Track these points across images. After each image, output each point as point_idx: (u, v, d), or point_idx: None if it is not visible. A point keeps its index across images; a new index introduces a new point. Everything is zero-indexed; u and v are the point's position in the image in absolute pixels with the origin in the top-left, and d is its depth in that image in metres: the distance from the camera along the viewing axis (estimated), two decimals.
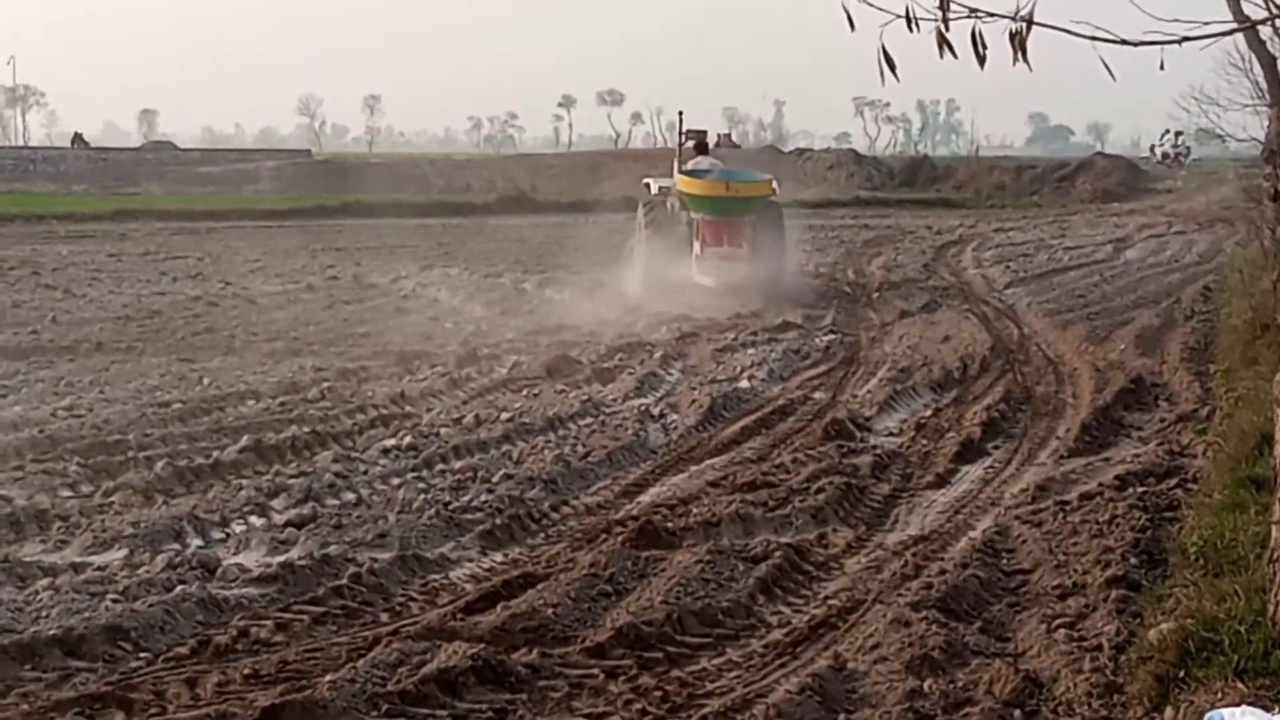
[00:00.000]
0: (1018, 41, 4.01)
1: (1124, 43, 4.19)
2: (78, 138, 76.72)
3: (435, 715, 5.95)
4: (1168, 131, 66.42)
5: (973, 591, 7.56)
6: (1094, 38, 4.18)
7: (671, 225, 23.07)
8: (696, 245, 22.74)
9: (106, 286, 23.08)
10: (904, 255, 30.23)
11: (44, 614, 7.11)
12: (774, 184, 23.85)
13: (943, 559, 8.24)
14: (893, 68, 3.97)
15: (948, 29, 3.94)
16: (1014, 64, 4.01)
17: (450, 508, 9.25)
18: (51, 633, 6.77)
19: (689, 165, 23.83)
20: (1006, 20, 4.04)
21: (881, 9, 3.92)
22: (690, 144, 24.57)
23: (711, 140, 25.49)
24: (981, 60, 3.99)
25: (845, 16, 3.97)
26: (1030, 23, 4.02)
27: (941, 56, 3.94)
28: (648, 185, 25.39)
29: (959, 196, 58.48)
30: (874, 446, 11.36)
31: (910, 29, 3.89)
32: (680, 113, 25.92)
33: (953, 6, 3.96)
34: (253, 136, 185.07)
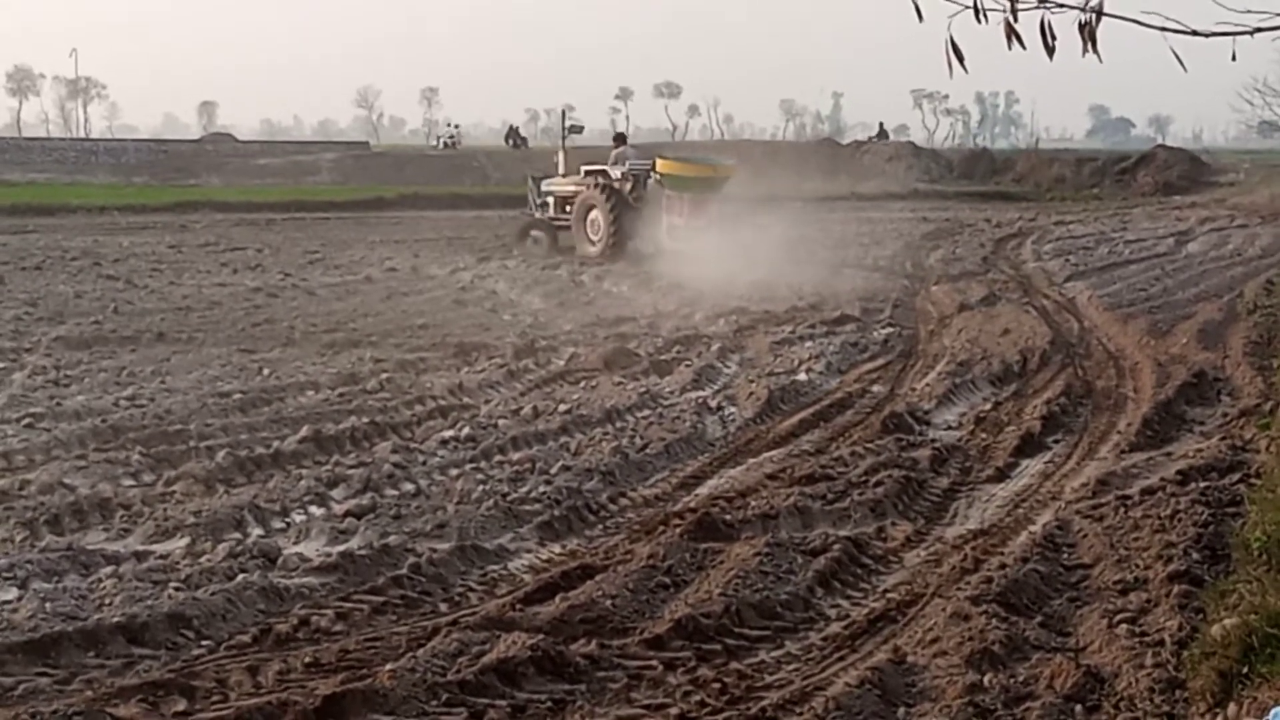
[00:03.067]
0: (1087, 32, 3.97)
1: (1194, 33, 4.14)
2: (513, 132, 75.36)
3: (495, 705, 5.96)
4: None
5: (1033, 586, 7.51)
6: (1164, 28, 4.13)
7: (642, 201, 27.28)
8: (669, 218, 26.87)
9: (167, 277, 23.24)
10: (963, 248, 30.07)
11: (108, 602, 7.18)
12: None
13: (1003, 553, 8.19)
14: (961, 59, 3.94)
15: (1016, 20, 3.91)
16: (1083, 55, 3.97)
17: (508, 499, 9.28)
18: (115, 620, 6.82)
19: (612, 156, 28.35)
20: (1075, 11, 4.00)
21: (950, 0, 3.89)
22: (613, 140, 29.69)
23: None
24: (1050, 51, 3.95)
25: (914, 8, 3.94)
26: (1100, 13, 3.97)
27: (1010, 48, 3.90)
28: (535, 179, 29.84)
29: (1018, 189, 58.16)
30: (933, 440, 11.31)
31: (978, 20, 3.86)
32: (564, 110, 30.85)
33: None
34: (311, 129, 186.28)
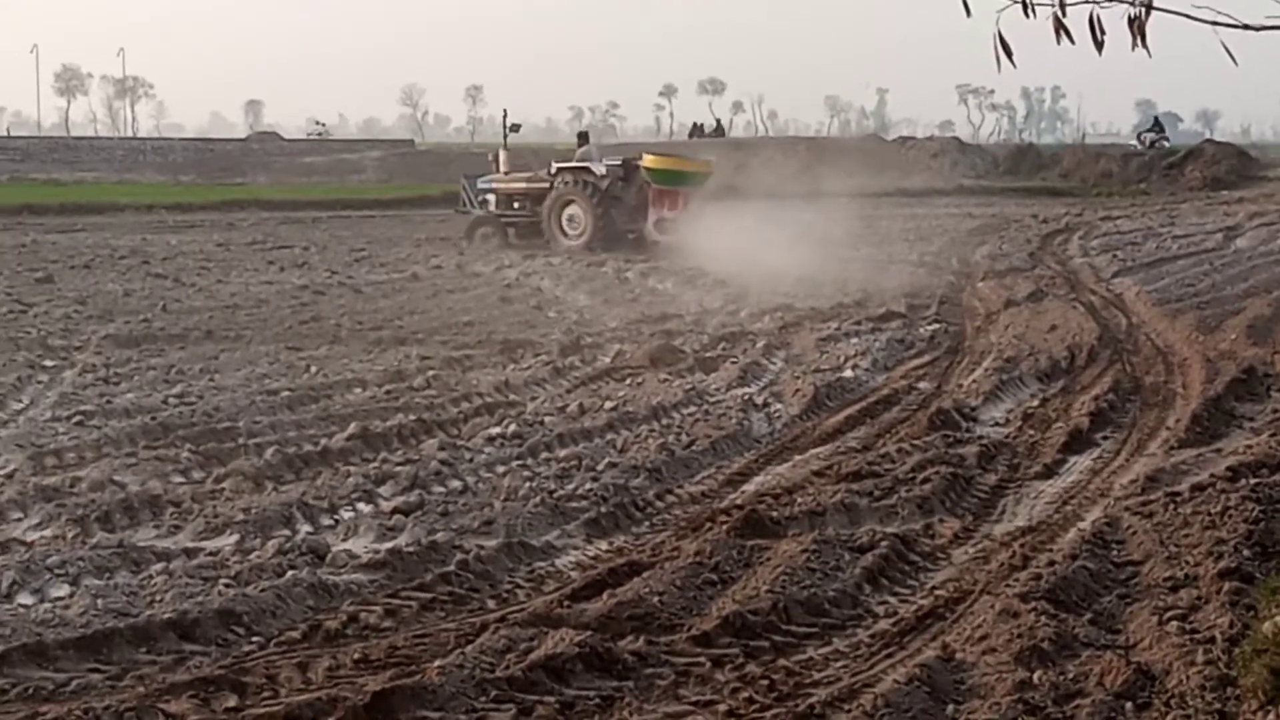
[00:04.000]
0: (1136, 27, 3.95)
1: (1246, 27, 4.11)
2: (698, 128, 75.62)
3: (543, 702, 5.97)
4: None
5: (1082, 583, 7.48)
6: (1215, 22, 4.10)
7: (625, 195, 29.11)
8: (657, 211, 28.91)
9: (215, 275, 23.39)
10: (1009, 244, 29.94)
11: (158, 598, 7.22)
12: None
13: (1051, 550, 8.16)
14: (1009, 54, 3.92)
15: (1065, 14, 3.89)
16: (1133, 49, 3.95)
17: (555, 496, 9.29)
18: (166, 616, 6.87)
19: (578, 154, 29.93)
20: (1124, 5, 3.98)
21: None
22: (577, 139, 31.51)
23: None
24: (1099, 46, 3.93)
25: (962, 4, 3.93)
26: (1150, 7, 3.95)
27: (1059, 43, 3.89)
28: (469, 178, 31.66)
29: (1064, 184, 57.80)
30: (980, 436, 11.27)
31: (1027, 15, 3.85)
32: (504, 111, 31.88)
33: None
34: (356, 127, 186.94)
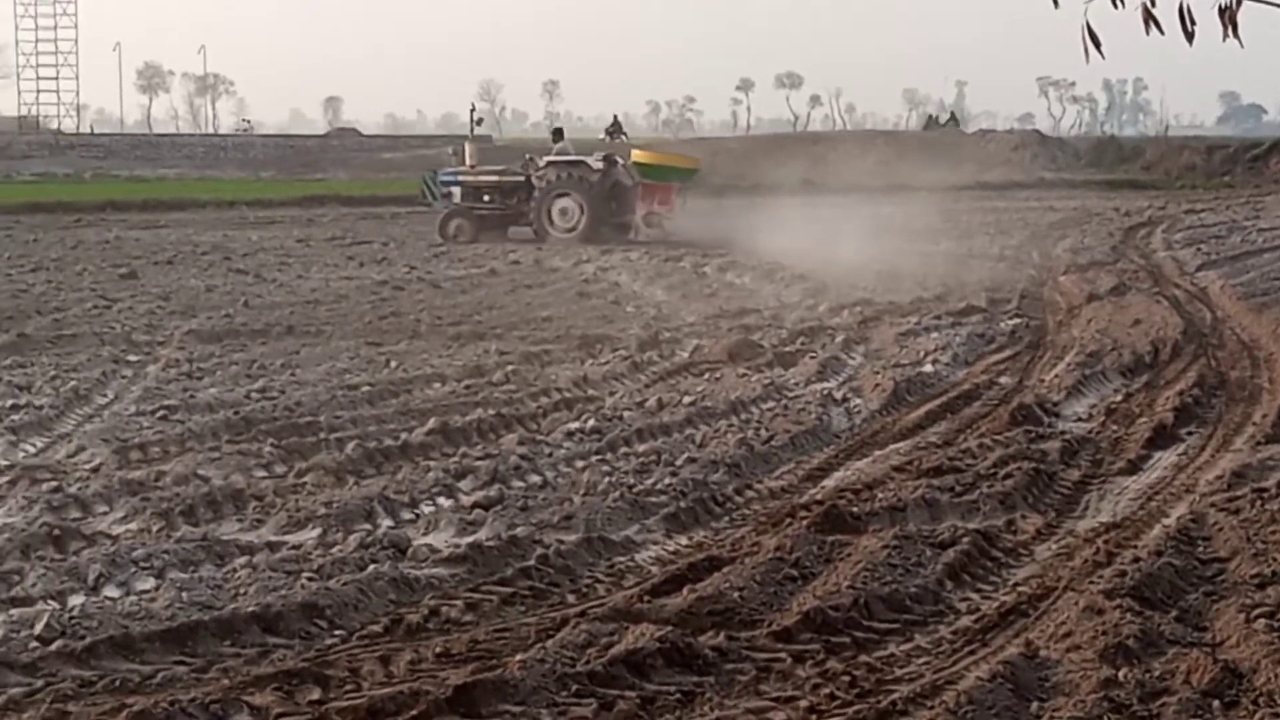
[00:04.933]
0: (1228, 17, 3.88)
1: None
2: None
3: (624, 696, 5.96)
4: None
5: (1168, 580, 7.38)
6: None
7: (614, 190, 30.69)
8: (648, 205, 30.58)
9: (295, 271, 23.58)
10: (1091, 238, 29.68)
11: (242, 591, 7.27)
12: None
13: (1136, 546, 8.06)
14: (1098, 46, 3.87)
15: (1154, 4, 3.83)
16: (1224, 40, 3.88)
17: (634, 490, 9.28)
18: (250, 610, 6.91)
19: (555, 150, 31.47)
20: None
21: None
22: (552, 135, 33.32)
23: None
24: (1190, 37, 3.87)
25: None
26: None
27: (1148, 33, 3.83)
28: (433, 173, 32.73)
29: (1147, 177, 57.30)
30: (1063, 432, 11.16)
31: (1115, 5, 3.80)
32: (472, 106, 34.96)
33: None
34: (434, 122, 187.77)
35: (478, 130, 34.65)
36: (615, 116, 35.98)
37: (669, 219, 30.97)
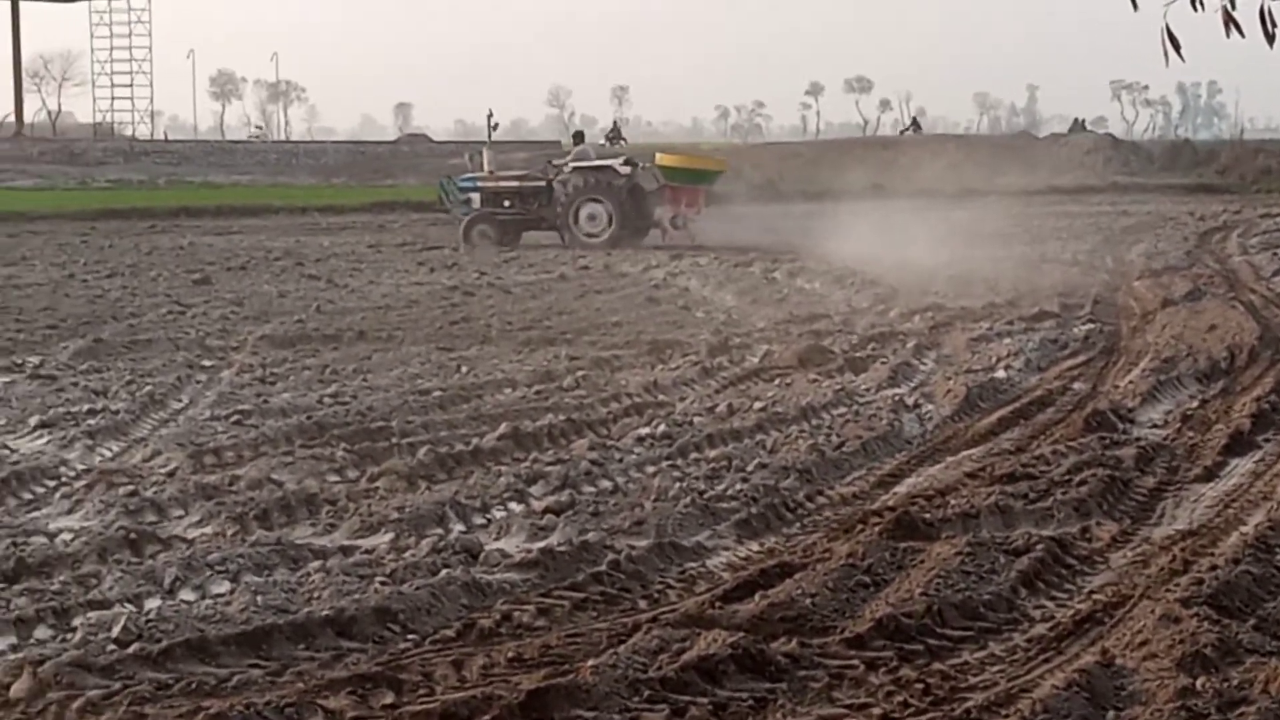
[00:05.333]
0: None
1: None
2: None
3: (696, 702, 5.95)
4: None
5: (1245, 588, 7.29)
6: None
7: (634, 194, 30.56)
8: (674, 209, 30.76)
9: (367, 276, 23.73)
10: (1165, 242, 29.39)
11: (316, 595, 7.32)
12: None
13: (1213, 554, 7.97)
14: (1177, 48, 3.83)
15: (1234, 7, 3.79)
16: (1270, 45, 3.82)
17: (705, 496, 9.27)
18: (324, 614, 6.95)
19: (574, 154, 31.46)
20: None
21: None
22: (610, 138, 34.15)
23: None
24: (1270, 39, 3.82)
25: None
26: None
27: (1228, 36, 3.79)
28: (449, 178, 32.85)
29: (1222, 181, 56.62)
30: (1138, 438, 11.05)
31: (1195, 8, 3.75)
32: (489, 112, 35.00)
33: None
34: (504, 129, 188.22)
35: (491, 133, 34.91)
36: (615, 121, 36.29)
37: (695, 221, 31.06)
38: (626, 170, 30.93)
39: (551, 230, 31.02)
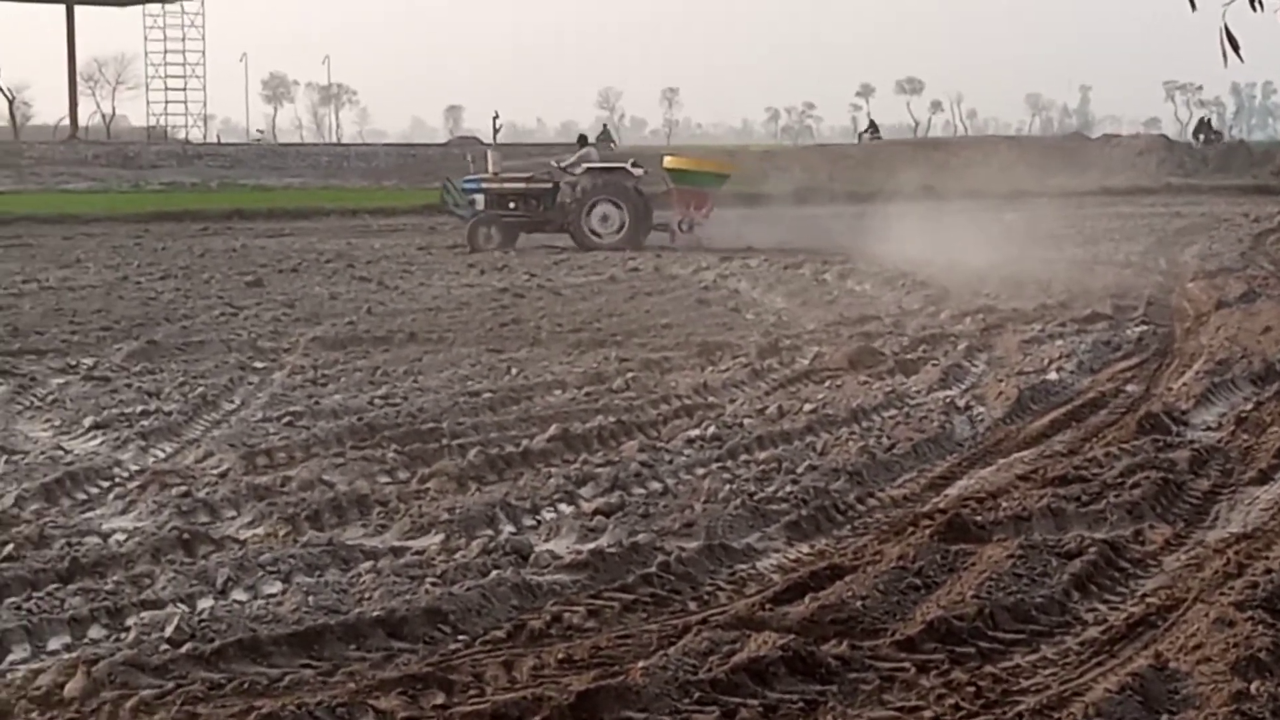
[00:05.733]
0: None
1: None
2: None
3: (746, 705, 5.94)
4: None
5: None
6: None
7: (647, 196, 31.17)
8: (683, 211, 31.17)
9: (417, 279, 23.81)
10: (1219, 244, 29.17)
11: (367, 596, 7.34)
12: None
13: (1268, 557, 7.88)
14: (1236, 49, 3.79)
15: None
16: None
17: (755, 498, 9.24)
18: (375, 614, 6.98)
19: (579, 154, 31.82)
20: None
21: None
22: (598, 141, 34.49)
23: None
24: None
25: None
26: None
27: None
28: (451, 181, 32.77)
29: (1277, 182, 56.15)
30: (1191, 441, 10.95)
31: (1254, 8, 3.72)
32: (495, 114, 35.08)
33: None
34: (554, 130, 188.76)
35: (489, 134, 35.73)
36: (605, 125, 36.22)
37: (702, 224, 31.30)
38: (639, 172, 31.20)
39: (558, 232, 31.11)
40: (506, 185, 31.52)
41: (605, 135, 36.13)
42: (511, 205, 31.17)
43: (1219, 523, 8.98)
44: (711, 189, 32.22)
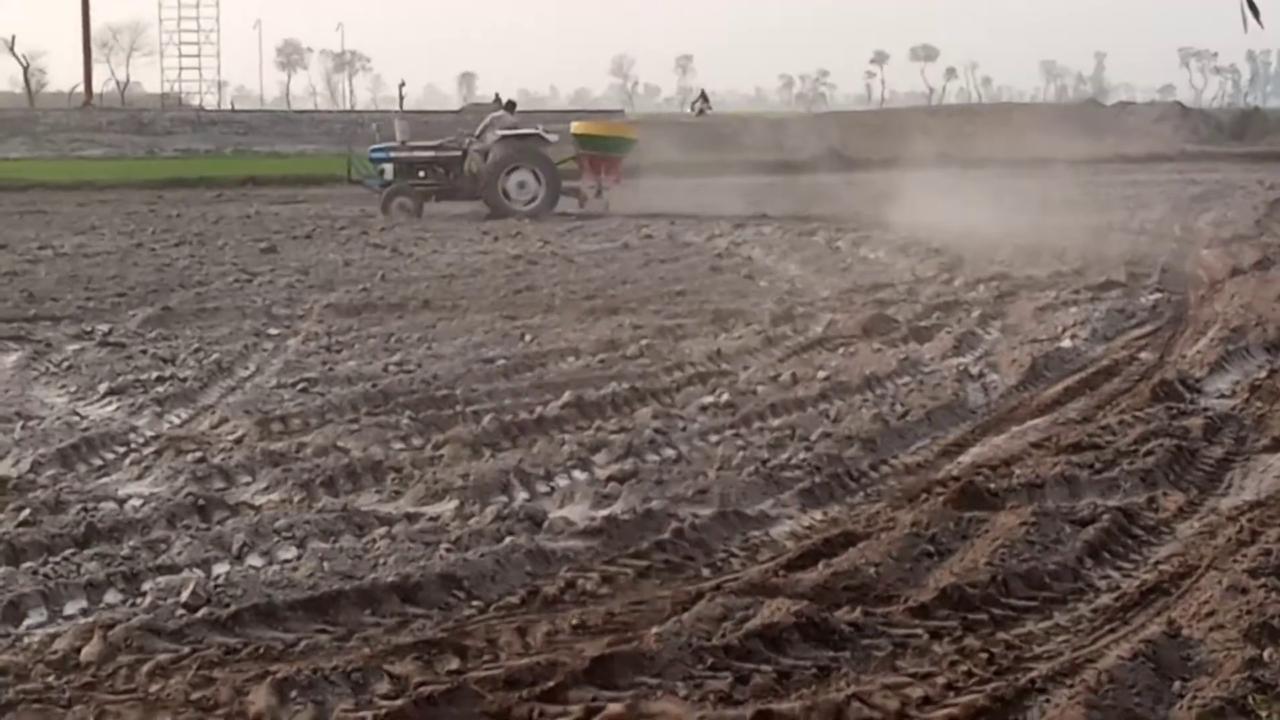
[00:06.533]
0: None
1: None
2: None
3: (760, 670, 5.96)
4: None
5: None
6: None
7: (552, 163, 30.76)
8: (593, 177, 31.27)
9: (431, 246, 23.80)
10: (1234, 211, 29.06)
11: (382, 562, 7.38)
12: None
13: None
14: (1256, 14, 3.78)
15: None
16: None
17: (769, 465, 9.26)
18: (390, 580, 7.01)
19: (488, 119, 31.60)
20: None
21: None
22: (503, 108, 33.34)
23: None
24: None
25: None
26: None
27: None
28: (354, 150, 32.32)
29: None
30: (1205, 408, 10.94)
31: None
32: (401, 83, 35.52)
33: None
34: (567, 98, 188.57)
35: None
36: (511, 100, 35.47)
37: (609, 189, 31.40)
38: (553, 138, 31.11)
39: (469, 199, 30.72)
40: (416, 154, 31.08)
41: (510, 106, 35.50)
42: (421, 174, 30.81)
43: (1232, 490, 8.98)
44: (620, 154, 32.26)
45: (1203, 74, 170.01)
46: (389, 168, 30.73)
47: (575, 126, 33.22)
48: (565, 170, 31.59)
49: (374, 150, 31.38)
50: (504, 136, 30.68)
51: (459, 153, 31.18)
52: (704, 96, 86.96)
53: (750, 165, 44.00)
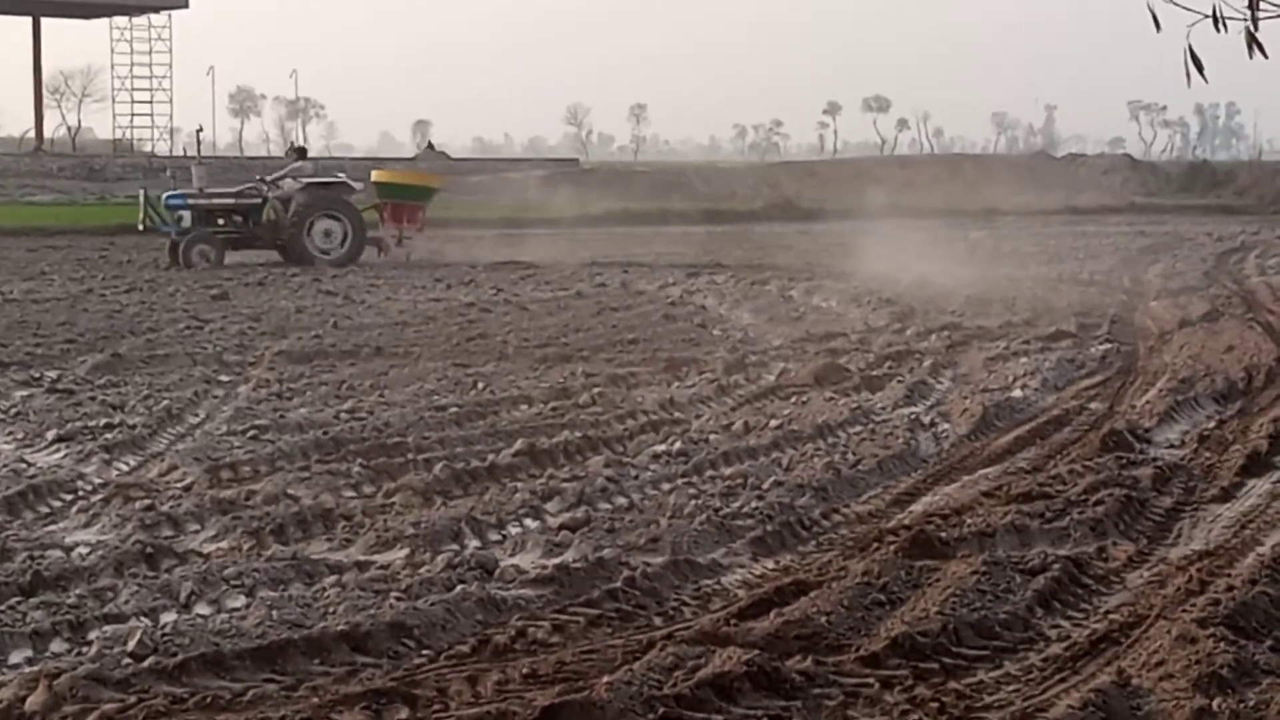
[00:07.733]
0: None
1: None
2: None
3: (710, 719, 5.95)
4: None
5: (1262, 609, 7.25)
6: None
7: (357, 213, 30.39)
8: (395, 226, 31.19)
9: (383, 293, 23.78)
10: (1183, 263, 29.37)
11: (331, 610, 7.32)
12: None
13: (1230, 575, 7.92)
14: (1200, 69, 3.82)
15: (1257, 29, 3.78)
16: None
17: (721, 514, 9.25)
18: (339, 629, 6.95)
19: (293, 167, 30.79)
20: None
21: (1188, 9, 3.78)
22: (295, 155, 33.24)
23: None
24: None
25: (1151, 18, 3.85)
26: None
27: (1251, 56, 3.78)
28: (149, 196, 30.52)
29: (1240, 203, 56.63)
30: (1154, 459, 11.00)
31: (1218, 29, 3.75)
32: (198, 128, 34.33)
33: (1263, 5, 3.80)
34: (521, 146, 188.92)
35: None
36: (302, 146, 35.09)
37: (411, 239, 31.41)
38: (359, 186, 31.03)
39: (269, 248, 30.28)
40: (215, 201, 30.34)
41: (295, 150, 34.99)
42: (220, 221, 30.06)
43: (1181, 540, 9.03)
44: (422, 202, 32.14)
45: (1152, 127, 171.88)
46: (187, 215, 29.60)
47: (376, 175, 33.22)
48: (369, 219, 31.45)
49: (170, 197, 30.23)
50: (308, 184, 30.21)
51: (259, 200, 30.41)
52: (297, 148, 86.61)
53: (702, 214, 44.20)
